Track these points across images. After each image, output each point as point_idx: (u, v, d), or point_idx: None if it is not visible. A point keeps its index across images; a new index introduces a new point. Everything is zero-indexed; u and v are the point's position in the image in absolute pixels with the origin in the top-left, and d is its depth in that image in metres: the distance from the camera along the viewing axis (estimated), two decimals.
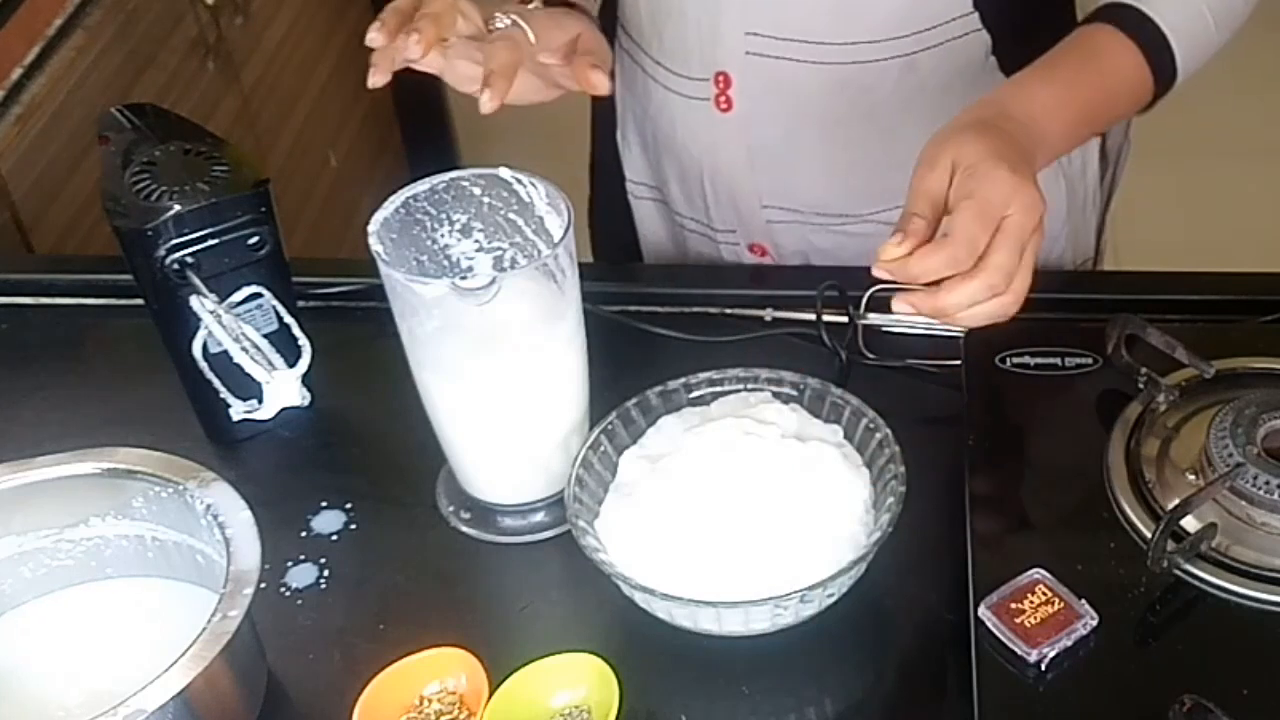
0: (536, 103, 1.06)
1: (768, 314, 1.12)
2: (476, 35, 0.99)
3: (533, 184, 0.93)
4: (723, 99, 1.13)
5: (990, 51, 1.11)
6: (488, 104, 0.94)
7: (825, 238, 1.20)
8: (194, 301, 0.97)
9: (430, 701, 0.86)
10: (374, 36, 0.94)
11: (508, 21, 0.99)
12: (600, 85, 1.02)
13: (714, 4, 1.09)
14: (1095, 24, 0.98)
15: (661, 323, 1.12)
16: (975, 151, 0.87)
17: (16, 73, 1.61)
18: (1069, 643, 0.82)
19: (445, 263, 0.97)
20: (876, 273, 0.87)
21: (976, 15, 1.09)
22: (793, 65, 1.10)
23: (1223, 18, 1.01)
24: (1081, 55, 0.97)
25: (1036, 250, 0.87)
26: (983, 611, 0.84)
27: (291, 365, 0.96)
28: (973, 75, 1.11)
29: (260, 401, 0.97)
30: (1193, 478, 0.91)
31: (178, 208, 0.96)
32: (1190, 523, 0.87)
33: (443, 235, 0.96)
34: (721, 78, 1.12)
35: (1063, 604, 0.84)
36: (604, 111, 1.27)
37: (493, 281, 0.86)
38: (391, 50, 0.94)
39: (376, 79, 0.95)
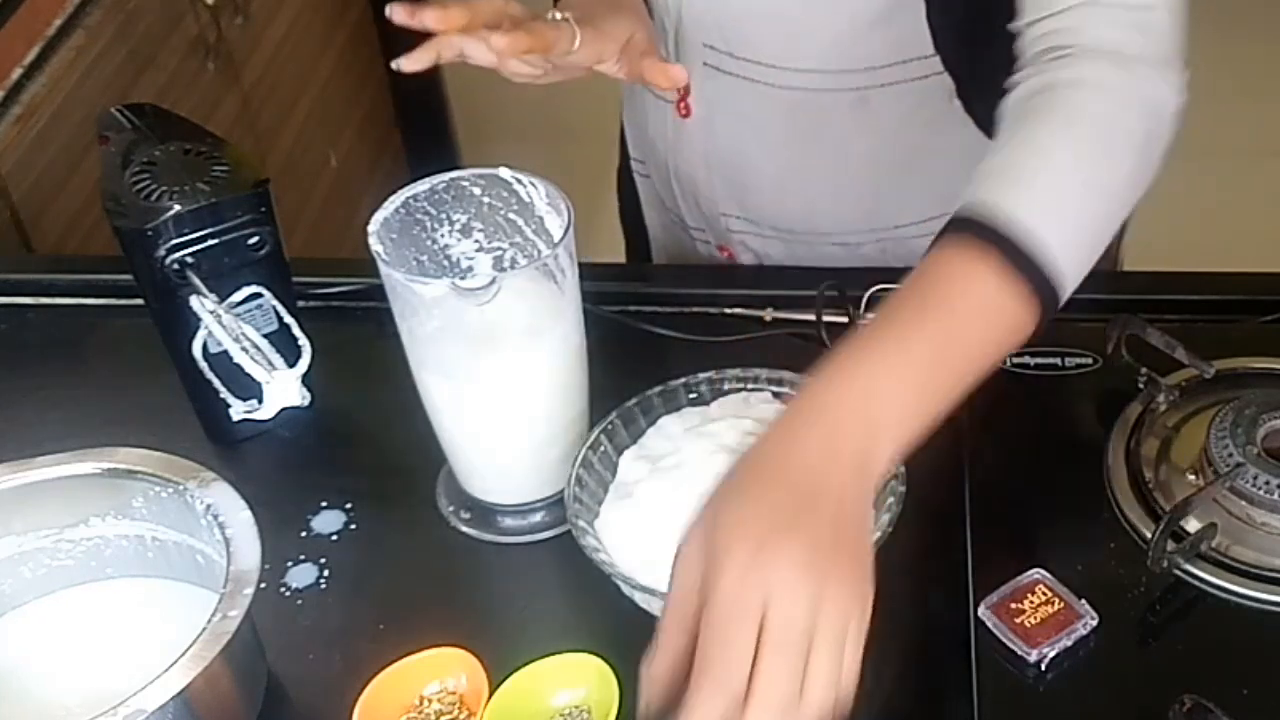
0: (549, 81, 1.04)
1: (768, 314, 1.12)
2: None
3: (533, 184, 0.93)
4: (683, 105, 1.13)
5: (954, 95, 1.09)
6: (501, 43, 0.91)
7: (780, 250, 1.20)
8: (194, 301, 0.97)
9: (430, 701, 0.86)
10: (397, 11, 0.91)
11: (559, 16, 0.97)
12: (680, 78, 1.02)
13: (676, 11, 1.09)
14: (944, 243, 0.79)
15: (662, 323, 1.11)
16: (723, 526, 0.70)
17: (16, 73, 1.61)
18: (1069, 643, 0.82)
19: (445, 263, 0.97)
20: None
21: (939, 58, 1.06)
22: (746, 83, 1.09)
23: (1100, 203, 0.82)
24: (923, 296, 0.78)
25: (839, 638, 0.69)
26: (983, 611, 0.84)
27: (291, 365, 0.96)
28: (932, 117, 1.09)
29: (260, 401, 0.97)
30: (1193, 478, 0.91)
31: (178, 208, 0.96)
32: (1190, 523, 0.87)
33: (443, 235, 0.96)
34: (683, 84, 1.12)
35: (1063, 604, 0.84)
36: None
37: (493, 281, 0.86)
38: (441, 43, 0.92)
39: (409, 64, 0.92)
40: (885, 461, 0.74)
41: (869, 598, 0.71)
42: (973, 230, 0.78)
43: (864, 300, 1.08)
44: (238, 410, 0.99)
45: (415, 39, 0.95)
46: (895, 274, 1.09)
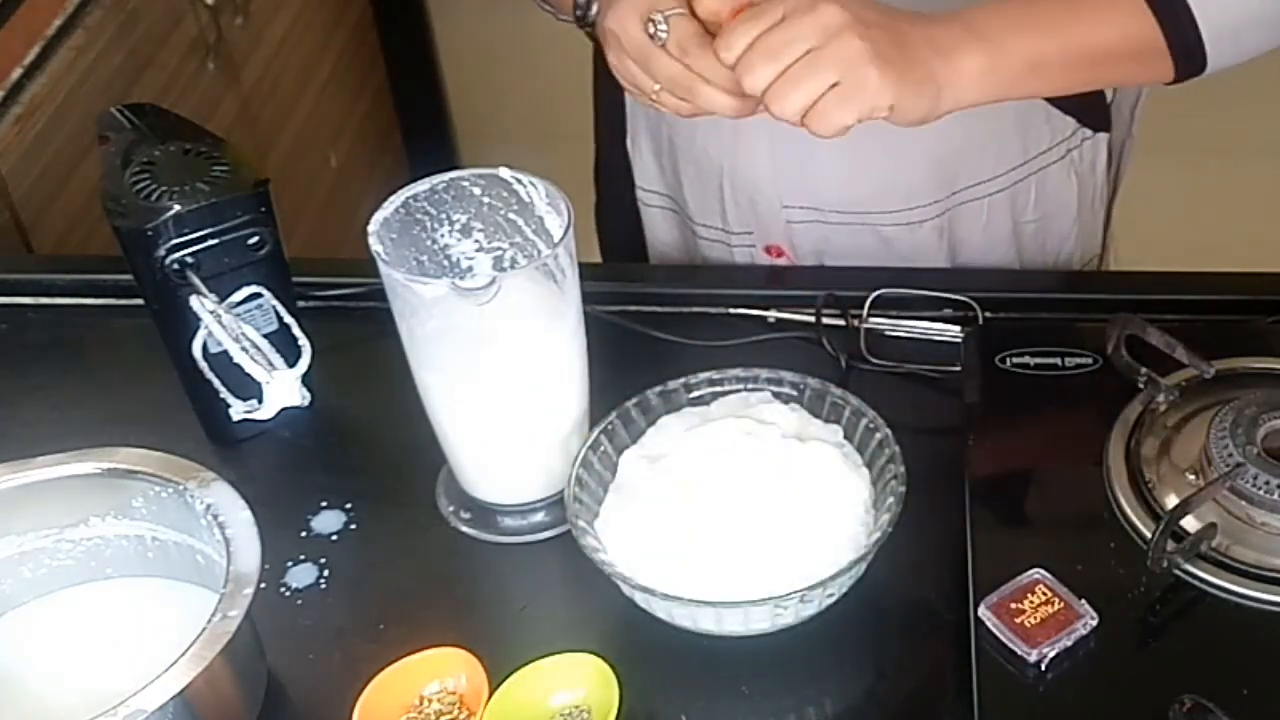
0: None
1: (771, 315, 1.11)
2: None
3: (533, 184, 0.93)
4: None
5: None
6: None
7: (844, 237, 1.19)
8: (194, 301, 0.97)
9: (430, 701, 0.86)
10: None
11: (664, 29, 0.92)
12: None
13: None
14: None
15: (663, 323, 1.11)
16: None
17: (16, 73, 1.61)
18: (1069, 643, 0.82)
19: (445, 263, 0.97)
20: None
21: None
22: None
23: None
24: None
25: (834, 67, 0.85)
26: (983, 611, 0.84)
27: (291, 365, 0.96)
28: None
29: (260, 401, 0.97)
30: (1193, 478, 0.91)
31: (178, 208, 0.96)
32: (1190, 523, 0.87)
33: (443, 235, 0.96)
34: None
35: (1063, 604, 0.84)
36: (611, 116, 1.26)
37: (493, 281, 0.86)
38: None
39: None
40: (964, 54, 0.88)
41: (872, 104, 0.87)
42: None
43: (865, 304, 1.08)
44: (238, 410, 0.99)
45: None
46: (899, 277, 1.10)
